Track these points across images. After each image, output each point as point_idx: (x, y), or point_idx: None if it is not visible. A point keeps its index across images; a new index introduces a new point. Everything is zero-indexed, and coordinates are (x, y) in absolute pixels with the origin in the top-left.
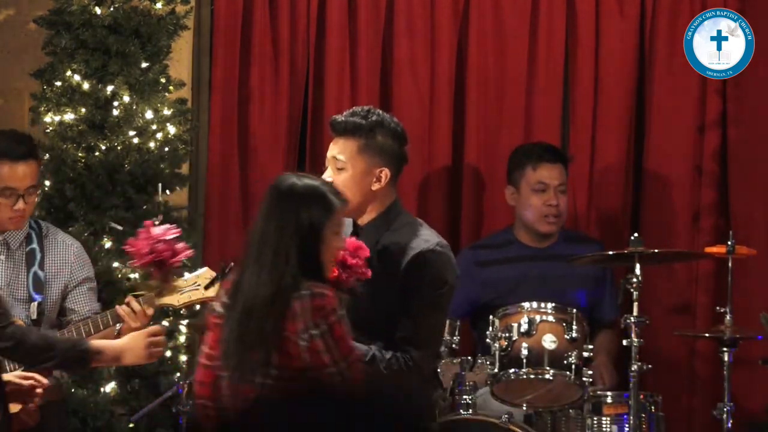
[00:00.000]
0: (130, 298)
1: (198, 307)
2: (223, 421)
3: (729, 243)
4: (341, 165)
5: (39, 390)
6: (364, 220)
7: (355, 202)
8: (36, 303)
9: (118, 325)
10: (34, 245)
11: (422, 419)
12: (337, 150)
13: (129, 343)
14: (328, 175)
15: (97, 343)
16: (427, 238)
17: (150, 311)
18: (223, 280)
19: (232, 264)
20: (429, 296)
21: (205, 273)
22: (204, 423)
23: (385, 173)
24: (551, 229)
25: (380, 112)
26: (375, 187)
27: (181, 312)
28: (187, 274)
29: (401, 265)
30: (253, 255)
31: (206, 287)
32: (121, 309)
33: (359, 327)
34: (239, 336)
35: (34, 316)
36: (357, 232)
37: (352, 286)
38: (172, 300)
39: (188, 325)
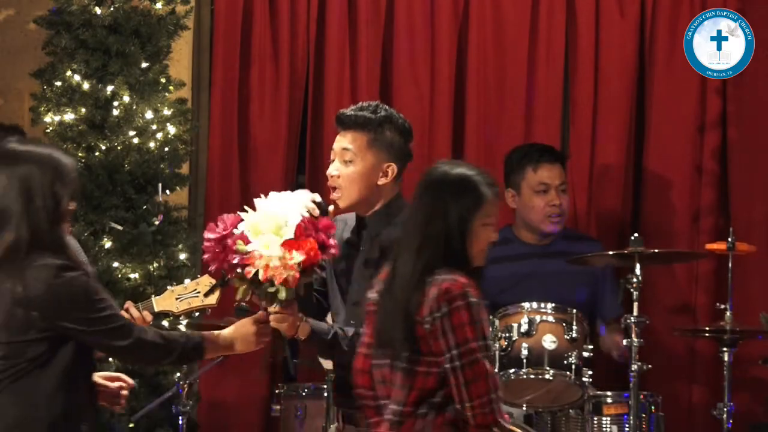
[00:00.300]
0: (128, 304)
1: (197, 314)
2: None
3: (729, 239)
4: (350, 157)
5: (125, 392)
6: (367, 212)
7: (362, 195)
8: None
9: None
10: None
11: None
12: (347, 142)
13: (239, 331)
14: (334, 168)
15: (208, 334)
16: None
17: (149, 318)
18: (223, 287)
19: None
20: None
21: (204, 280)
22: (364, 411)
23: (392, 168)
24: (556, 228)
25: (388, 107)
26: (382, 181)
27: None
28: (187, 281)
29: None
30: (405, 243)
31: (206, 294)
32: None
33: (360, 316)
34: (388, 323)
35: None
36: (361, 224)
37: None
38: (171, 306)
39: (188, 325)
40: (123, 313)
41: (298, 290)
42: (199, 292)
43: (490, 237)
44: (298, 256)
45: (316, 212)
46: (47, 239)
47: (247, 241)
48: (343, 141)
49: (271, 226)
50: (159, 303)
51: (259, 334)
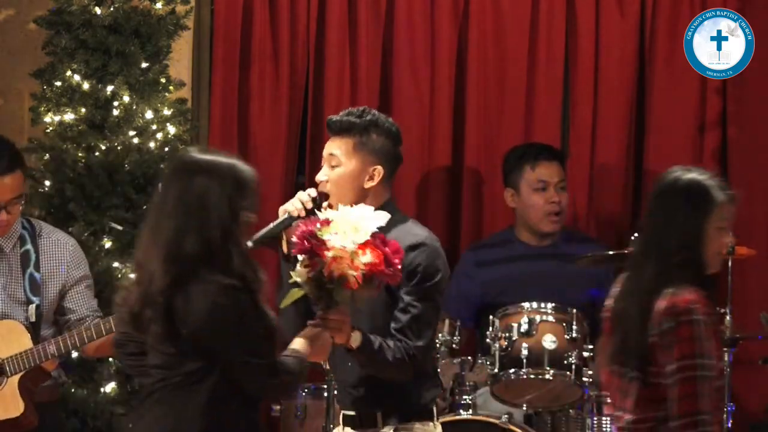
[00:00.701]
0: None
1: None
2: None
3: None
4: (336, 162)
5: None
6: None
7: (348, 198)
8: (34, 306)
9: None
10: (28, 246)
11: None
12: (333, 147)
13: (313, 340)
14: (323, 174)
15: (300, 347)
16: (417, 232)
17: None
18: None
19: None
20: (421, 288)
21: None
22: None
23: (378, 171)
24: (555, 227)
25: (375, 112)
26: (368, 185)
27: None
28: None
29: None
30: (640, 252)
31: None
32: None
33: (357, 323)
34: (623, 333)
35: (33, 319)
36: None
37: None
38: None
39: None
40: None
41: (354, 298)
42: None
43: (725, 241)
44: (366, 257)
45: (310, 205)
46: (220, 255)
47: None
48: (329, 147)
49: (348, 228)
50: None
51: (328, 342)
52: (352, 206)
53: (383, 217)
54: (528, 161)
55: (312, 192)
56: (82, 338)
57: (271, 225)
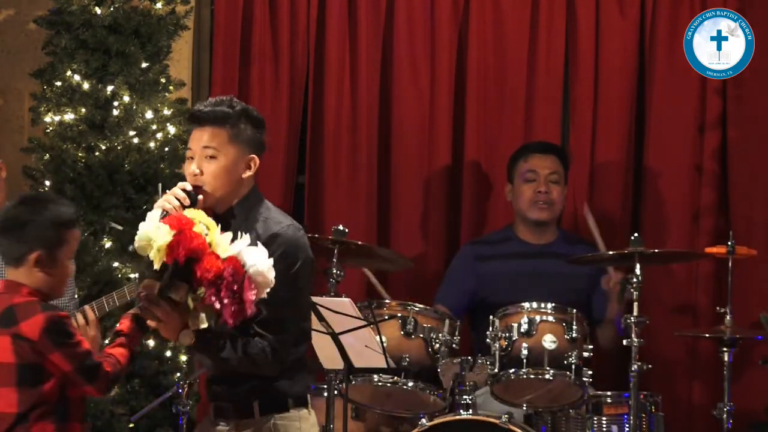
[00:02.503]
0: (87, 308)
1: None
2: None
3: (729, 243)
4: (213, 153)
5: None
6: (222, 209)
7: (226, 190)
8: None
9: None
10: None
11: None
12: (207, 139)
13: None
14: (196, 167)
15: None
16: (279, 220)
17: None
18: None
19: None
20: (282, 276)
21: None
22: None
23: (255, 161)
24: (542, 215)
25: (239, 101)
26: (246, 174)
27: None
28: None
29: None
30: None
31: None
32: (79, 315)
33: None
34: None
35: None
36: (217, 219)
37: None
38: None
39: None
40: (79, 315)
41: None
42: None
43: None
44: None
45: (187, 201)
46: None
47: None
48: (202, 139)
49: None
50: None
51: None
52: (228, 197)
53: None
54: (523, 154)
55: (187, 186)
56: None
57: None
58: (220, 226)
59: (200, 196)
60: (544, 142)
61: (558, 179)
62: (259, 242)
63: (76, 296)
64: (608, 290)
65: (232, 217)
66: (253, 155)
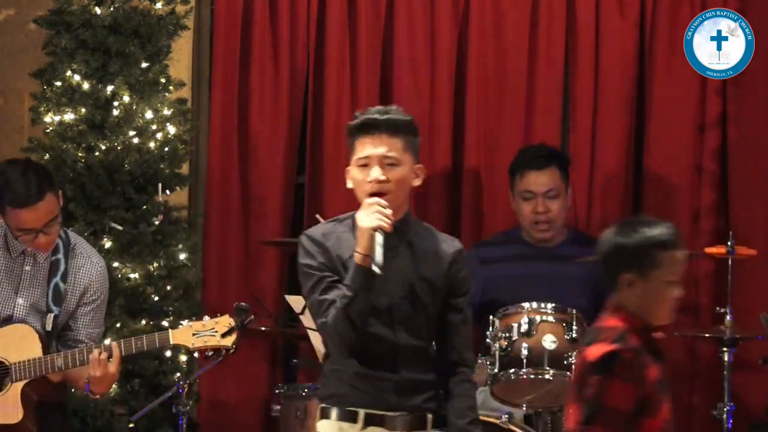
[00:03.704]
0: (114, 345)
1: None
2: None
3: (729, 243)
4: (394, 161)
5: None
6: (394, 217)
7: (403, 198)
8: (53, 315)
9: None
10: (60, 255)
11: None
12: (386, 147)
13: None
14: (380, 173)
15: None
16: (445, 235)
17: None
18: (242, 330)
19: (252, 317)
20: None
21: (224, 320)
22: None
23: (422, 170)
24: (544, 236)
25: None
26: (416, 183)
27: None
28: (206, 318)
29: (444, 263)
30: None
31: (223, 335)
32: (93, 354)
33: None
34: None
35: (49, 328)
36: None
37: None
38: (186, 341)
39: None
40: (95, 352)
41: None
42: (216, 332)
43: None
44: None
45: (390, 212)
46: None
47: None
48: (380, 147)
49: None
50: (175, 336)
51: None
52: (402, 206)
53: None
54: (518, 169)
55: (379, 200)
56: (69, 362)
57: None
58: (387, 237)
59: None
60: (540, 152)
61: (556, 194)
62: (444, 257)
63: (103, 328)
64: None
65: (401, 228)
66: (420, 164)
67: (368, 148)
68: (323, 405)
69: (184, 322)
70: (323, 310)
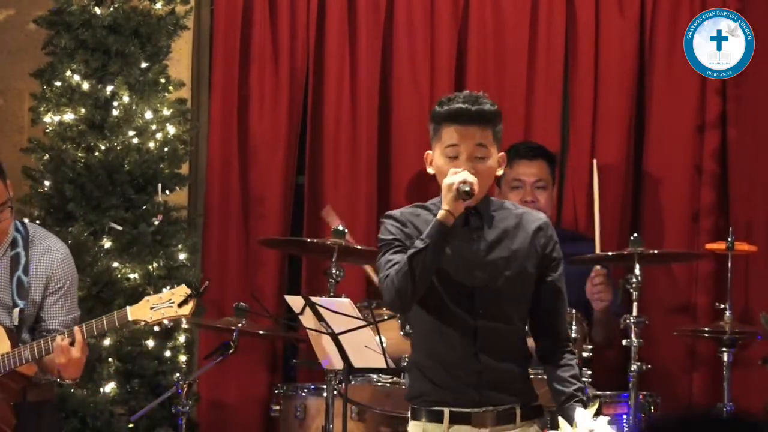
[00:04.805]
0: (76, 330)
1: (170, 324)
2: None
3: (729, 239)
4: (485, 153)
5: None
6: (472, 202)
7: (486, 188)
8: (18, 309)
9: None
10: (19, 249)
11: None
12: (479, 137)
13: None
14: (470, 166)
15: None
16: (534, 210)
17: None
18: (198, 298)
19: (207, 283)
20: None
21: (180, 290)
22: None
23: (503, 158)
24: None
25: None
26: (499, 172)
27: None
28: (165, 290)
29: (528, 237)
30: None
31: (180, 305)
32: (56, 341)
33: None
34: None
35: (16, 322)
36: (467, 216)
37: None
38: (144, 316)
39: (187, 325)
40: (58, 339)
41: None
42: (173, 303)
43: None
44: None
45: (476, 189)
46: None
47: None
48: (474, 137)
49: None
50: (133, 312)
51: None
52: (484, 193)
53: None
54: (508, 161)
55: (470, 177)
56: (39, 351)
57: None
58: (471, 217)
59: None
60: (530, 146)
61: (545, 185)
62: (528, 231)
63: (77, 313)
64: (590, 294)
65: (482, 209)
66: (503, 152)
67: (458, 138)
68: (413, 406)
69: (144, 298)
70: (388, 267)
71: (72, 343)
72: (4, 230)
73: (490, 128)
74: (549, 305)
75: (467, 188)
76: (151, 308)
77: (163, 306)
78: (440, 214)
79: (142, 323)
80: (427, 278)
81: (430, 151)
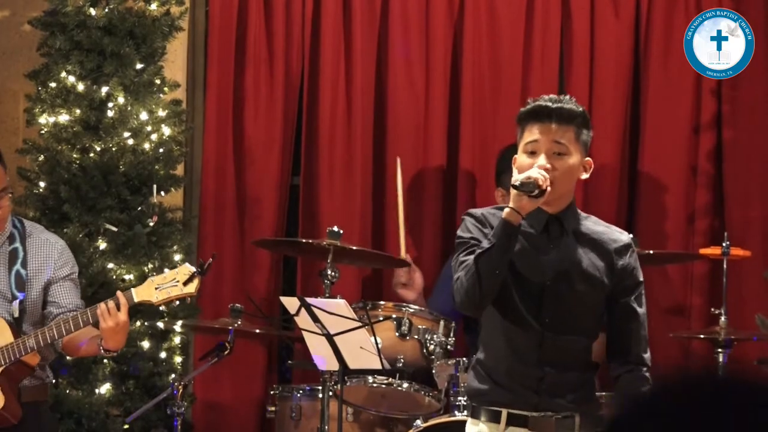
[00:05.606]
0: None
1: (177, 303)
2: None
3: (724, 244)
4: (563, 150)
5: None
6: (555, 208)
7: (567, 189)
8: (18, 301)
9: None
10: (17, 245)
11: None
12: (557, 135)
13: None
14: (545, 161)
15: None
16: (615, 229)
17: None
18: (202, 276)
19: (211, 260)
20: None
21: (183, 269)
22: None
23: (590, 164)
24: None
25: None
26: (584, 177)
27: (162, 308)
28: (166, 270)
29: (609, 255)
30: None
31: (185, 283)
32: (100, 308)
33: (561, 315)
34: None
35: (16, 314)
36: (547, 222)
37: None
38: (150, 297)
39: (183, 326)
40: (102, 305)
41: None
42: (178, 282)
43: None
44: None
45: (547, 184)
46: None
47: None
48: (550, 134)
49: None
50: (139, 293)
51: None
52: (565, 197)
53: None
54: (504, 171)
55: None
56: (60, 330)
57: None
58: (552, 224)
59: (548, 189)
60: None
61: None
62: (610, 249)
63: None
64: None
65: (565, 218)
66: (589, 158)
67: (537, 134)
68: (472, 404)
69: (148, 278)
70: (461, 269)
71: (118, 308)
72: (3, 217)
73: (571, 128)
74: (622, 328)
75: (530, 182)
76: (156, 288)
77: (168, 285)
78: (505, 212)
79: (148, 304)
80: (495, 279)
81: (516, 155)
